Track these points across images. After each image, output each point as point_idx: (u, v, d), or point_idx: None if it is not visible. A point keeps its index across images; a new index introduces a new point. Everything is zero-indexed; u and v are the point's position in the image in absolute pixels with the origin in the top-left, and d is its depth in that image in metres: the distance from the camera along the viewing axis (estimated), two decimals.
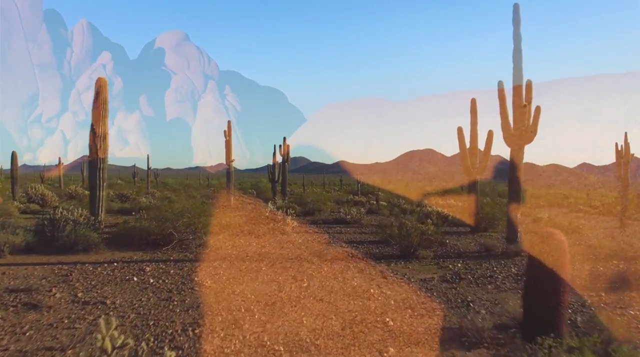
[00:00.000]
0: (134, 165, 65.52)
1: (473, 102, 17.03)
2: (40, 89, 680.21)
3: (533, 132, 12.18)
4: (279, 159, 36.29)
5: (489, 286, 9.44)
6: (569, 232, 17.17)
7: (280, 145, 35.99)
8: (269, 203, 16.90)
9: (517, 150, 12.42)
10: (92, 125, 16.23)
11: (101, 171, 16.20)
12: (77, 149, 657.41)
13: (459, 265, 11.85)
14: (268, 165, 38.24)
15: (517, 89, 12.15)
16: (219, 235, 15.22)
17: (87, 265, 10.81)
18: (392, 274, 10.40)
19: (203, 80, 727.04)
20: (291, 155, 36.13)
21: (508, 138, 12.45)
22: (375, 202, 30.33)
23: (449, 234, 17.12)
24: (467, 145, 17.37)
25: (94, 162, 16.24)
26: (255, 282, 9.21)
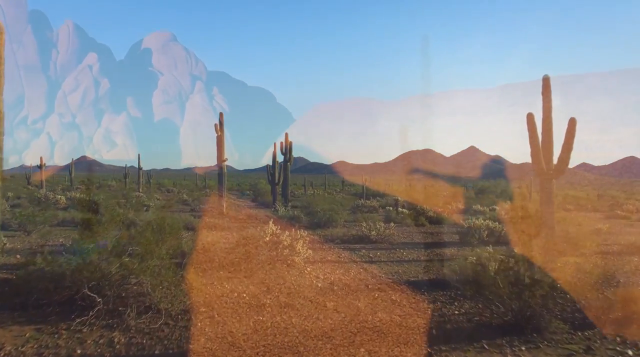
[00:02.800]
0: (125, 166, 61.59)
1: (546, 81, 12.89)
2: (26, 90, 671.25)
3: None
4: (279, 158, 32.77)
5: None
6: None
7: (281, 142, 32.44)
8: (270, 223, 12.19)
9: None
10: None
11: None
12: (64, 151, 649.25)
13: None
14: (267, 166, 34.92)
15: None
16: (193, 274, 10.12)
17: None
18: None
19: (191, 81, 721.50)
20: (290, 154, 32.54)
21: None
22: (393, 209, 25.97)
23: None
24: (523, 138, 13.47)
25: None
26: None
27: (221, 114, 26.56)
